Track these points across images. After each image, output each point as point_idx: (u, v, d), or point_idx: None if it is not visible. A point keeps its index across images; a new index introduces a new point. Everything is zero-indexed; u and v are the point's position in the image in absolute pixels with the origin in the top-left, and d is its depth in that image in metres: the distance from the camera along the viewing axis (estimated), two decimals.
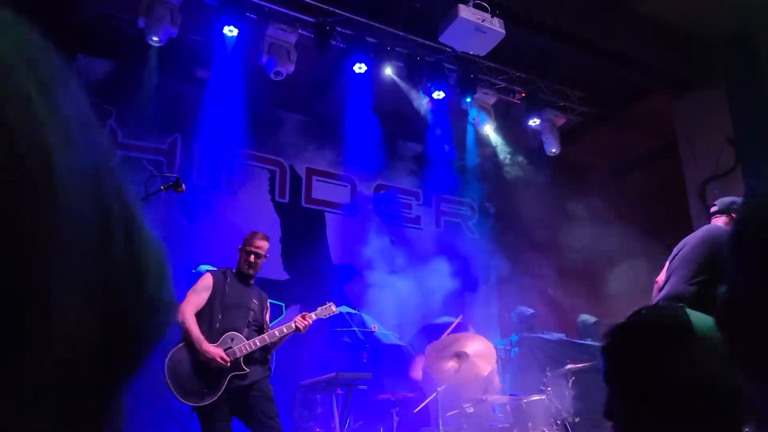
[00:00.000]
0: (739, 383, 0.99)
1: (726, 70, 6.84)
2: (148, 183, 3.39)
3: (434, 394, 4.94)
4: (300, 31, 6.40)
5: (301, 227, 7.67)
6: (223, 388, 3.84)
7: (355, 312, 6.66)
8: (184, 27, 6.16)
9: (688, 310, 1.16)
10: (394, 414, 4.88)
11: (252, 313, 4.20)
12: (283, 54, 6.33)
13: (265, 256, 4.36)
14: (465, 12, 5.82)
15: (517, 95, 7.65)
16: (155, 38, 5.99)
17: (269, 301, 4.58)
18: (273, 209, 7.64)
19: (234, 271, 4.36)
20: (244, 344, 4.00)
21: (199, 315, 4.04)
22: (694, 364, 1.09)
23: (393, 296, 6.98)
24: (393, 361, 6.39)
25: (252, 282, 4.39)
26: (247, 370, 3.98)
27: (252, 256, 4.26)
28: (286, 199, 7.76)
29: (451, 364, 5.24)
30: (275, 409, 4.04)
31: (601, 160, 9.43)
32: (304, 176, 7.97)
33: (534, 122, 7.74)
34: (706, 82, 7.04)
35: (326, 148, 8.04)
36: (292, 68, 6.40)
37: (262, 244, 4.32)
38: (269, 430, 3.90)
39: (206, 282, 4.19)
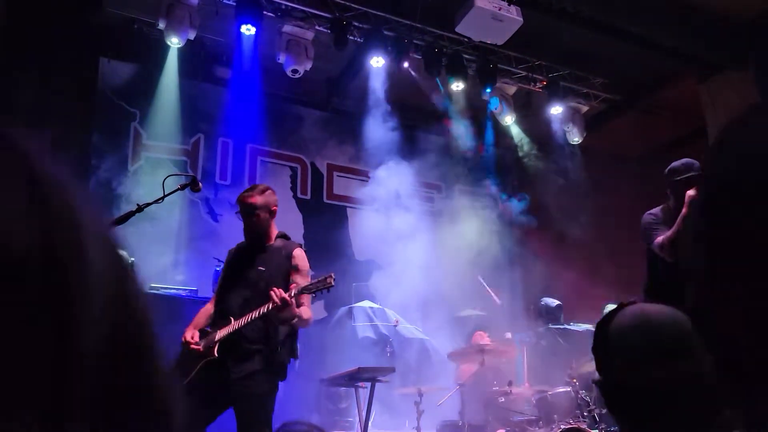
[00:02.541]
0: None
1: (755, 51, 6.63)
2: (166, 183, 3.41)
3: (458, 387, 4.92)
4: (317, 27, 6.42)
5: (323, 223, 7.71)
6: (192, 374, 3.31)
7: (378, 307, 6.66)
8: (203, 27, 6.24)
9: (634, 306, 1.19)
10: (418, 407, 4.88)
11: (254, 286, 3.46)
12: (300, 51, 6.35)
13: (260, 207, 3.54)
14: (481, 1, 5.76)
15: (538, 84, 7.55)
16: (175, 40, 6.08)
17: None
18: (295, 206, 7.70)
19: (243, 243, 3.75)
20: (225, 328, 3.38)
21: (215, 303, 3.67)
22: (606, 365, 1.15)
23: (416, 290, 6.96)
24: (416, 354, 6.38)
25: (271, 244, 3.63)
26: (216, 356, 3.32)
27: (244, 217, 3.56)
28: (308, 196, 7.81)
29: (475, 358, 5.22)
30: (263, 411, 3.33)
31: (627, 147, 9.24)
32: (325, 172, 8.01)
33: (556, 111, 7.62)
34: (734, 63, 6.84)
35: (347, 143, 8.05)
36: (309, 65, 6.42)
37: (246, 195, 3.56)
38: None
39: (223, 267, 3.80)
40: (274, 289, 3.29)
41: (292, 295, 3.32)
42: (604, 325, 1.18)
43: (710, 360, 1.01)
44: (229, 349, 3.36)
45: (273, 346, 3.40)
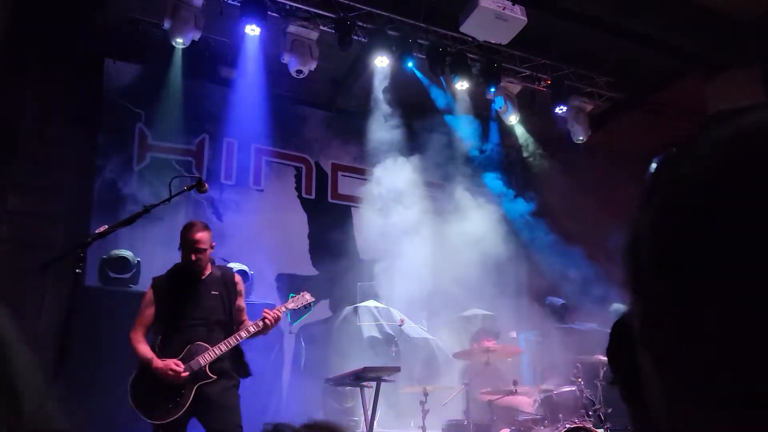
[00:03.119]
0: None
1: (761, 48, 6.60)
2: (172, 185, 3.42)
3: (463, 387, 4.93)
4: (321, 27, 6.42)
5: (328, 223, 7.72)
6: (190, 400, 3.60)
7: (383, 306, 6.67)
8: (207, 28, 6.25)
9: None
10: (423, 406, 4.89)
11: (212, 311, 3.78)
12: (305, 51, 6.36)
13: (211, 248, 3.85)
14: (485, 0, 5.75)
15: (542, 83, 7.53)
16: (179, 40, 6.09)
17: (292, 295, 4.23)
18: (300, 205, 7.71)
19: (179, 270, 3.90)
20: (207, 352, 3.66)
21: (161, 331, 3.77)
22: (625, 364, 1.10)
23: (421, 289, 6.97)
24: (422, 354, 6.39)
25: (210, 272, 3.91)
26: (214, 377, 3.67)
27: (193, 255, 3.75)
28: (313, 195, 7.82)
29: (480, 358, 5.23)
30: (237, 420, 3.69)
31: (632, 146, 9.22)
32: (329, 172, 8.01)
33: (561, 110, 7.61)
34: (740, 61, 6.82)
35: (351, 143, 8.06)
36: (314, 65, 6.43)
37: (202, 236, 3.78)
38: None
39: (148, 298, 3.84)
40: (269, 311, 3.78)
41: (279, 317, 3.84)
42: (625, 326, 1.15)
43: None
44: (214, 370, 3.71)
45: (242, 364, 3.85)
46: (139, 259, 5.61)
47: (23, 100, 6.14)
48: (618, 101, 8.07)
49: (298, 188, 7.77)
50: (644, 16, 6.36)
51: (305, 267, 7.37)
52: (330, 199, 7.93)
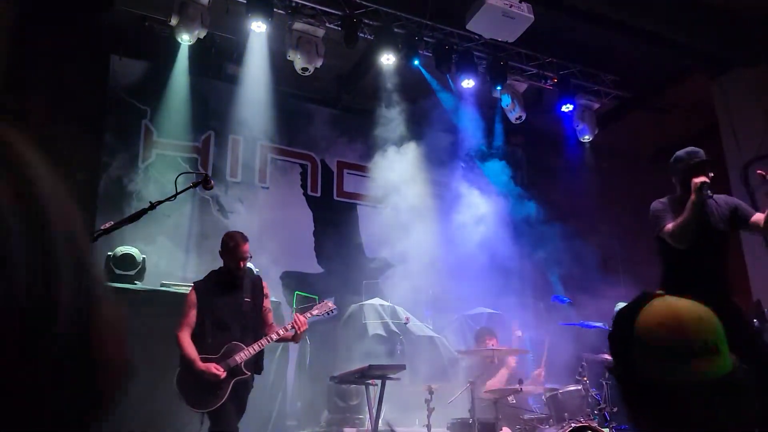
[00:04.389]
0: (679, 380, 1.03)
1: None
2: (178, 181, 3.42)
3: (468, 385, 4.91)
4: (327, 24, 6.41)
5: (333, 221, 7.71)
6: (228, 391, 4.08)
7: (389, 304, 6.66)
8: (213, 25, 6.24)
9: (662, 297, 1.16)
10: (429, 405, 4.87)
11: (248, 315, 4.26)
12: (311, 48, 6.35)
13: (251, 257, 4.36)
14: None
15: (549, 81, 7.51)
16: (186, 37, 6.09)
17: (303, 294, 4.59)
18: (305, 203, 7.70)
19: (221, 275, 4.33)
20: (243, 351, 4.12)
21: (196, 332, 4.16)
22: (630, 360, 1.12)
23: (426, 288, 6.95)
24: (427, 352, 6.37)
25: (241, 273, 4.34)
26: (249, 373, 4.15)
27: (241, 263, 4.25)
28: (318, 193, 7.81)
29: (485, 356, 5.21)
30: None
31: (639, 144, 9.19)
32: (335, 170, 8.00)
33: (567, 108, 7.58)
34: (747, 60, 6.78)
35: (357, 140, 8.05)
36: (320, 62, 6.42)
37: (248, 248, 4.30)
38: None
39: (191, 300, 4.23)
40: (299, 316, 4.27)
41: (304, 323, 4.29)
42: (628, 318, 1.16)
43: (737, 359, 1.03)
44: (247, 367, 4.17)
45: (260, 361, 4.31)
46: (144, 256, 5.62)
47: (29, 96, 6.15)
48: (624, 100, 8.04)
49: (303, 186, 7.76)
50: (651, 15, 6.33)
51: (310, 265, 7.36)
52: (335, 197, 7.92)
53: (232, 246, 4.24)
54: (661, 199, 3.91)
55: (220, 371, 4.01)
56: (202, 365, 4.02)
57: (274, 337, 4.24)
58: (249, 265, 5.07)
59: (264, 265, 6.75)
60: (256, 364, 4.26)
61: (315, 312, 4.46)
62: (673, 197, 3.87)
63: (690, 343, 1.06)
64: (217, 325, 4.16)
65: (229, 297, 4.24)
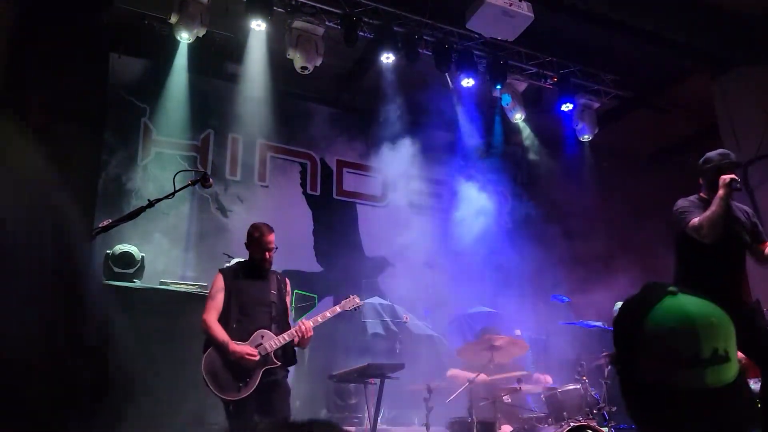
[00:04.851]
0: (689, 386, 1.01)
1: None
2: (176, 179, 3.42)
3: (467, 384, 4.91)
4: (327, 23, 6.40)
5: (333, 219, 7.71)
6: (257, 381, 3.96)
7: (388, 303, 6.66)
8: (213, 23, 6.23)
9: (675, 296, 1.10)
10: (427, 404, 4.87)
11: (274, 306, 4.21)
12: (311, 47, 6.34)
13: (276, 248, 4.35)
14: None
15: (548, 80, 7.50)
16: (185, 35, 6.08)
17: (301, 292, 4.59)
18: (305, 202, 7.70)
19: (247, 266, 4.34)
20: (274, 339, 4.07)
21: (224, 316, 4.10)
22: (637, 360, 1.08)
23: (426, 287, 6.95)
24: (426, 351, 6.37)
25: (268, 270, 4.36)
26: (279, 363, 4.06)
27: (267, 253, 4.25)
28: (318, 192, 7.80)
29: (485, 355, 5.20)
30: (288, 407, 4.14)
31: (639, 144, 9.18)
32: (335, 168, 8.00)
33: (567, 107, 7.58)
34: (747, 59, 6.77)
35: (356, 139, 8.05)
36: (320, 61, 6.41)
37: (273, 238, 4.30)
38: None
39: (218, 284, 4.21)
40: (304, 322, 4.15)
41: (326, 317, 4.31)
42: (637, 313, 1.11)
43: (743, 366, 1.03)
44: (277, 356, 4.10)
45: (292, 353, 4.23)
46: (143, 254, 5.61)
47: (28, 94, 6.15)
48: (624, 99, 8.04)
49: (303, 184, 7.75)
50: (651, 14, 6.32)
51: (310, 263, 7.36)
52: (335, 196, 7.91)
53: (257, 236, 4.26)
54: (687, 197, 3.90)
55: (253, 354, 3.94)
56: (236, 347, 3.94)
57: (295, 333, 4.14)
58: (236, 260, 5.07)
59: None
60: (285, 355, 4.16)
61: (339, 309, 4.41)
62: (699, 196, 3.87)
63: (700, 351, 1.04)
64: (242, 312, 4.11)
65: (255, 287, 4.22)
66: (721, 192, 3.60)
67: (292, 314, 4.42)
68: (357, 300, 4.50)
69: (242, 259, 4.42)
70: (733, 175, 3.63)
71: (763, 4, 6.34)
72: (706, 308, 1.08)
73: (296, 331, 4.10)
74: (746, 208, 3.96)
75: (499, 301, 7.17)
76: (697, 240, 3.66)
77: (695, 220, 3.66)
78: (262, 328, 4.09)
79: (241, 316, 4.09)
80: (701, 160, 3.86)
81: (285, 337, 4.08)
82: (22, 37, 5.97)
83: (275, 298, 4.24)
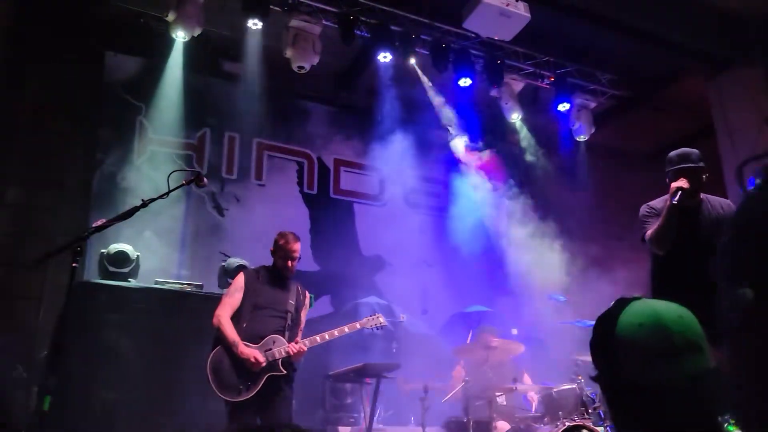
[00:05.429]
0: (669, 380, 1.02)
1: (765, 47, 6.56)
2: (171, 179, 3.40)
3: (462, 383, 4.92)
4: (324, 22, 6.39)
5: (329, 218, 7.69)
6: (260, 386, 3.94)
7: (384, 302, 6.66)
8: (209, 22, 6.21)
9: (641, 299, 1.16)
10: (423, 403, 4.87)
11: (290, 315, 4.21)
12: (307, 46, 6.32)
13: (299, 258, 4.39)
14: None
15: (545, 80, 7.50)
16: (181, 33, 6.07)
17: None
18: (302, 201, 7.68)
19: (269, 271, 4.35)
20: (284, 347, 4.05)
21: (236, 315, 4.10)
22: (614, 364, 1.12)
23: (422, 286, 6.95)
24: (422, 350, 6.37)
25: (291, 279, 4.38)
26: (285, 372, 4.04)
27: (289, 262, 4.28)
28: (315, 191, 7.79)
29: (480, 355, 5.21)
30: (289, 414, 4.15)
31: (635, 144, 9.19)
32: (332, 167, 7.99)
33: (564, 107, 7.58)
34: (743, 60, 6.78)
35: (354, 138, 8.03)
36: (316, 60, 6.39)
37: (298, 247, 4.34)
38: None
39: (239, 283, 4.24)
40: (293, 346, 4.05)
41: (345, 330, 4.34)
42: (608, 321, 1.17)
43: (716, 357, 1.04)
44: (284, 365, 4.08)
45: (296, 362, 4.21)
46: (138, 253, 5.59)
47: (24, 92, 6.12)
48: (621, 99, 8.04)
49: (300, 183, 7.74)
50: (648, 14, 6.32)
51: (306, 262, 7.32)
52: (332, 195, 7.90)
53: (282, 244, 4.29)
54: (651, 202, 3.83)
55: (261, 360, 3.93)
56: (245, 350, 3.92)
57: (319, 339, 4.20)
58: (242, 261, 5.08)
59: (259, 262, 6.71)
60: (292, 364, 4.17)
61: (359, 325, 4.42)
62: (664, 200, 3.74)
63: (672, 340, 1.07)
64: (255, 314, 4.11)
65: (274, 292, 4.23)
66: (668, 202, 3.49)
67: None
68: (381, 320, 4.49)
69: (267, 265, 4.43)
70: (681, 183, 3.44)
71: (759, 6, 6.34)
72: (673, 306, 1.13)
73: (297, 346, 4.07)
74: (726, 202, 3.75)
75: (496, 300, 7.17)
76: None
77: (648, 233, 3.60)
78: (275, 333, 4.09)
79: (253, 318, 4.10)
80: (665, 161, 3.70)
81: (294, 348, 4.07)
82: (17, 35, 5.95)
83: (292, 308, 4.24)
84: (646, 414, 1.07)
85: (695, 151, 3.64)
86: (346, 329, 4.31)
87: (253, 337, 4.02)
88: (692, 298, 1.18)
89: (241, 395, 3.90)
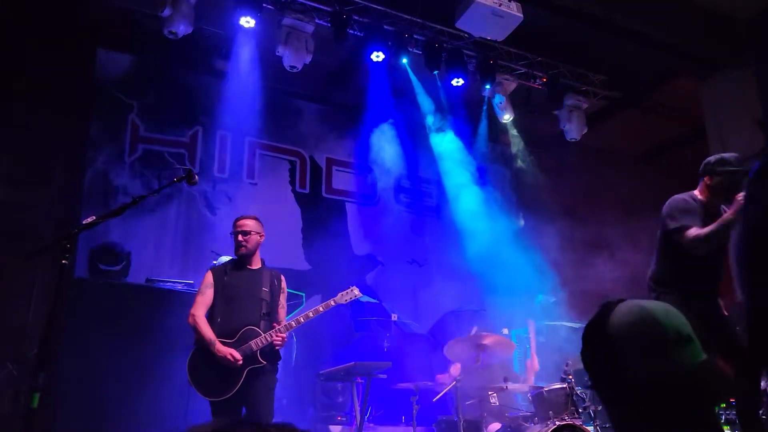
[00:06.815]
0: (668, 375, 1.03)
1: (756, 49, 6.61)
2: (161, 176, 3.40)
3: (453, 383, 4.92)
4: (317, 20, 6.38)
5: (321, 217, 7.68)
6: (241, 382, 3.93)
7: (376, 301, 6.66)
8: (202, 19, 6.19)
9: (626, 303, 1.17)
10: (414, 403, 4.88)
11: (264, 302, 4.16)
12: (300, 44, 6.31)
13: (257, 233, 4.29)
14: None
15: (538, 80, 7.51)
16: (173, 31, 6.04)
17: (289, 290, 4.54)
18: (294, 200, 7.67)
19: (235, 263, 4.31)
20: (260, 337, 4.02)
21: (210, 312, 4.10)
22: (611, 367, 1.12)
23: (413, 285, 6.96)
24: (413, 349, 6.38)
25: (261, 266, 4.31)
26: (264, 363, 4.01)
27: (239, 236, 4.22)
28: (307, 190, 7.78)
29: (472, 354, 5.22)
30: (272, 405, 4.07)
31: (627, 145, 9.23)
32: (324, 166, 7.98)
33: (556, 108, 7.60)
34: (734, 61, 6.82)
35: (346, 137, 8.03)
36: (309, 58, 6.38)
37: (244, 222, 4.27)
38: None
39: (207, 280, 4.21)
40: (279, 334, 4.04)
41: (320, 309, 4.24)
42: (598, 326, 1.16)
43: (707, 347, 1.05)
44: (263, 356, 4.04)
45: (277, 353, 4.16)
46: (130, 251, 5.58)
47: (14, 88, 6.08)
48: (613, 100, 8.07)
49: (292, 182, 7.73)
50: (640, 15, 6.35)
51: (298, 261, 7.34)
52: (324, 194, 7.89)
53: (232, 232, 4.30)
54: (683, 196, 3.64)
55: (237, 358, 3.90)
56: (222, 348, 3.91)
57: (294, 324, 4.14)
58: (223, 258, 5.01)
59: None
60: (272, 352, 4.10)
61: (338, 300, 4.34)
62: (694, 198, 3.61)
63: (664, 334, 1.07)
64: (228, 307, 4.08)
65: (243, 281, 4.19)
66: (731, 214, 3.32)
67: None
68: (356, 291, 4.43)
69: (232, 257, 4.39)
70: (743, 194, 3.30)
71: (750, 7, 6.39)
72: (659, 303, 1.15)
73: (275, 333, 4.04)
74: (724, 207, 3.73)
75: (487, 300, 7.19)
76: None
77: (693, 234, 3.43)
78: (250, 324, 4.04)
79: (226, 311, 4.07)
80: (714, 160, 3.55)
81: (272, 335, 4.04)
82: (6, 29, 5.90)
83: (266, 295, 4.19)
84: (647, 411, 1.07)
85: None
86: (321, 308, 4.25)
87: (228, 330, 4.01)
88: (699, 296, 1.21)
89: (223, 394, 3.89)
